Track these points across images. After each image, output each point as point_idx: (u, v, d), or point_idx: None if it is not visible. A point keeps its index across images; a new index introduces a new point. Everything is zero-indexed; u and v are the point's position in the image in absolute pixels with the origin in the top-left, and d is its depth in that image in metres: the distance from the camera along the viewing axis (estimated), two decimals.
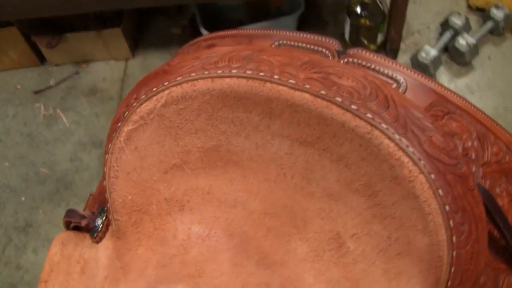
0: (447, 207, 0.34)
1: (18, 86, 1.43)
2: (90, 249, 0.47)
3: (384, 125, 0.35)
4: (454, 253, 0.35)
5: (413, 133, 0.35)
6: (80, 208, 0.48)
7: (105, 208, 0.47)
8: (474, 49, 1.28)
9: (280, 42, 0.46)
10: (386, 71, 0.43)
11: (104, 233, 0.47)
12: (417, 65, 1.28)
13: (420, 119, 0.36)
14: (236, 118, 0.39)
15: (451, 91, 0.43)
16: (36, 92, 1.41)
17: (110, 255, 0.46)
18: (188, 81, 0.39)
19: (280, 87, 0.37)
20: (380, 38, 1.30)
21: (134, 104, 0.41)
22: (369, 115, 0.35)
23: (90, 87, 1.41)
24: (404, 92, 0.42)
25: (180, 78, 0.39)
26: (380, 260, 0.39)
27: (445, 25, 1.33)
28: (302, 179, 0.40)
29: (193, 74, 0.39)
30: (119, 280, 0.45)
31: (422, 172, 0.34)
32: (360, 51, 0.44)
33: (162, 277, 0.44)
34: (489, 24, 1.32)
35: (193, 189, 0.44)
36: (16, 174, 1.30)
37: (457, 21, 1.30)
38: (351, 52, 0.44)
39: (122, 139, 0.42)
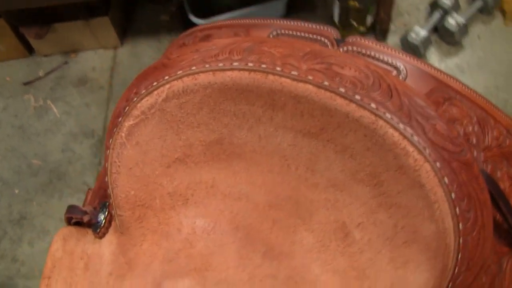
0: (453, 195, 0.35)
1: (8, 78, 1.41)
2: (93, 244, 0.47)
3: (388, 115, 0.35)
4: (461, 240, 0.35)
5: (417, 122, 0.35)
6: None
7: (107, 203, 0.47)
8: (464, 29, 1.28)
9: (278, 31, 0.46)
10: (385, 58, 0.43)
11: (107, 228, 0.47)
12: (407, 46, 1.28)
13: (423, 107, 0.36)
14: (239, 110, 0.39)
15: (450, 76, 0.43)
16: (25, 84, 1.40)
17: (114, 250, 0.46)
18: (189, 74, 0.38)
19: (283, 79, 0.36)
20: (369, 19, 1.30)
21: (135, 99, 0.40)
22: (373, 105, 0.35)
23: (80, 77, 1.40)
24: (405, 79, 0.42)
25: (180, 72, 0.39)
26: (387, 248, 0.39)
27: (434, 5, 1.33)
28: (306, 170, 0.40)
29: (194, 67, 0.38)
30: (124, 275, 0.45)
31: (428, 161, 0.34)
32: (359, 39, 0.43)
33: (168, 272, 0.44)
34: (478, 3, 1.32)
35: (196, 182, 0.44)
36: (8, 167, 1.29)
37: (446, 1, 1.29)
38: (350, 40, 0.44)
39: (123, 134, 0.41)
